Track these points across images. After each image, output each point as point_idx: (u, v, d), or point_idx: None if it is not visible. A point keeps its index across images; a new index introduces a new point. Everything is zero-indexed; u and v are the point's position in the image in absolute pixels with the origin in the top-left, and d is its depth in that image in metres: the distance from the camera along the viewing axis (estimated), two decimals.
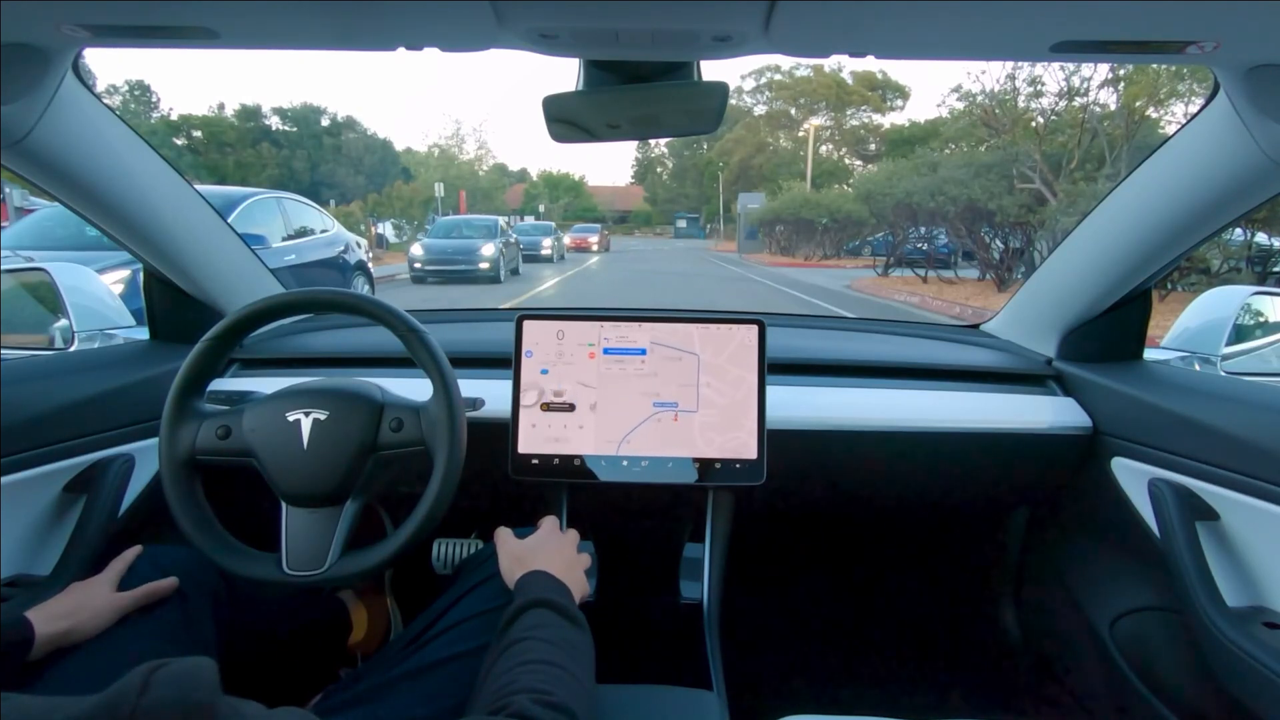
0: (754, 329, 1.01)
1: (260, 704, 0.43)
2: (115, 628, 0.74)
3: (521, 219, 31.37)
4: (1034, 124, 10.79)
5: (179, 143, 29.38)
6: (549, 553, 0.79)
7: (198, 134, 31.56)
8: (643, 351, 1.02)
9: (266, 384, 1.07)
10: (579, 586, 0.77)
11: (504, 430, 1.00)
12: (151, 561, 0.81)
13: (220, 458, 0.83)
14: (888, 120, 37.40)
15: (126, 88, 31.15)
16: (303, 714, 0.44)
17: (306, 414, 0.82)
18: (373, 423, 0.83)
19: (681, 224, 44.42)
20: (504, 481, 0.99)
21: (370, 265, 7.44)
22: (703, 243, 37.12)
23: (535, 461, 1.00)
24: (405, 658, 0.75)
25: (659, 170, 52.04)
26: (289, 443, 0.82)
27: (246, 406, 0.85)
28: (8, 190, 8.23)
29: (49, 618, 0.70)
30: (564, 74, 0.77)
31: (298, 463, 0.81)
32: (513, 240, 13.81)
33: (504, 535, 0.83)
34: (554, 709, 0.53)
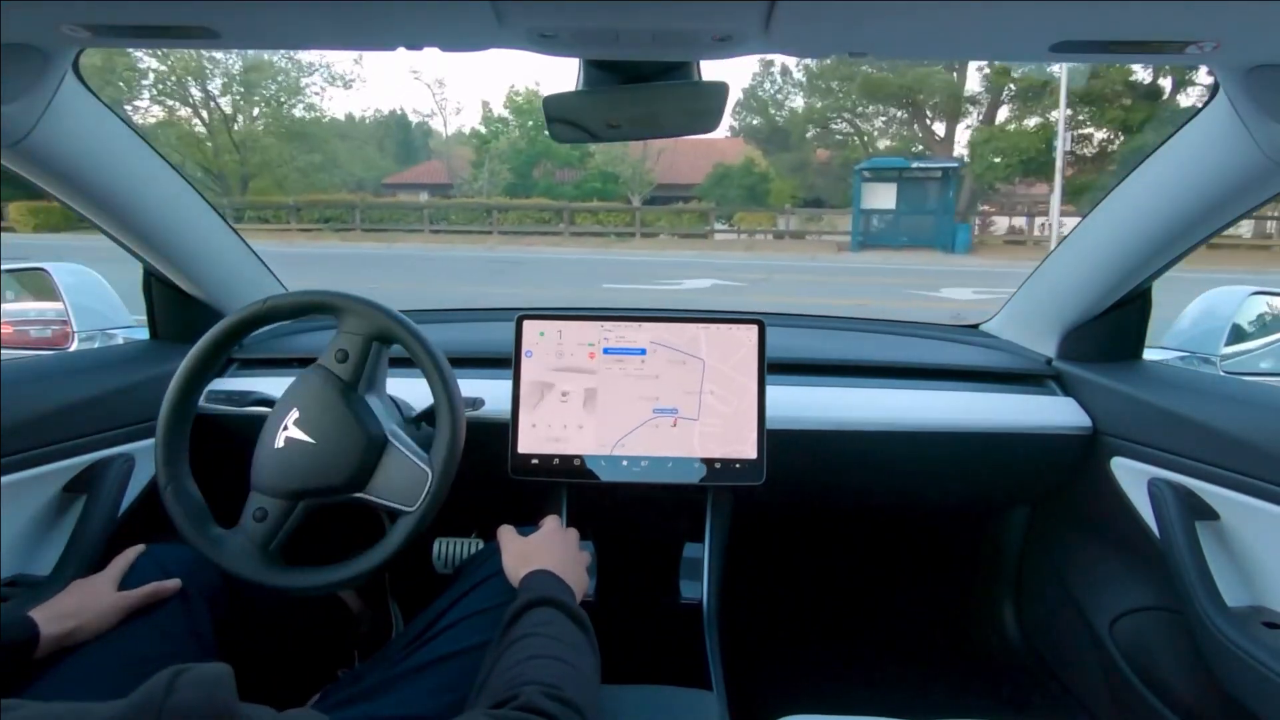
0: (754, 329, 1.02)
1: (271, 709, 0.43)
2: (117, 627, 0.74)
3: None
4: None
5: None
6: (552, 551, 0.79)
7: None
8: (642, 351, 1.02)
9: (266, 383, 1.07)
10: (580, 585, 0.77)
11: (504, 430, 1.00)
12: (153, 560, 0.81)
13: (288, 528, 0.82)
14: None
15: None
16: (315, 715, 0.45)
17: (285, 426, 0.82)
18: (327, 375, 0.83)
19: (879, 196, 14.59)
20: (504, 481, 0.99)
21: None
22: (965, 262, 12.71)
23: (535, 461, 1.00)
24: (407, 655, 0.75)
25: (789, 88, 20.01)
26: (304, 454, 0.81)
27: (253, 484, 0.83)
28: None
29: (53, 618, 0.70)
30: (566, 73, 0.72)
31: (327, 456, 0.81)
32: None
33: (507, 533, 0.83)
34: (564, 704, 0.53)
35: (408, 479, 0.81)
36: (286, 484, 0.81)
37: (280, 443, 0.81)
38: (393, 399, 0.94)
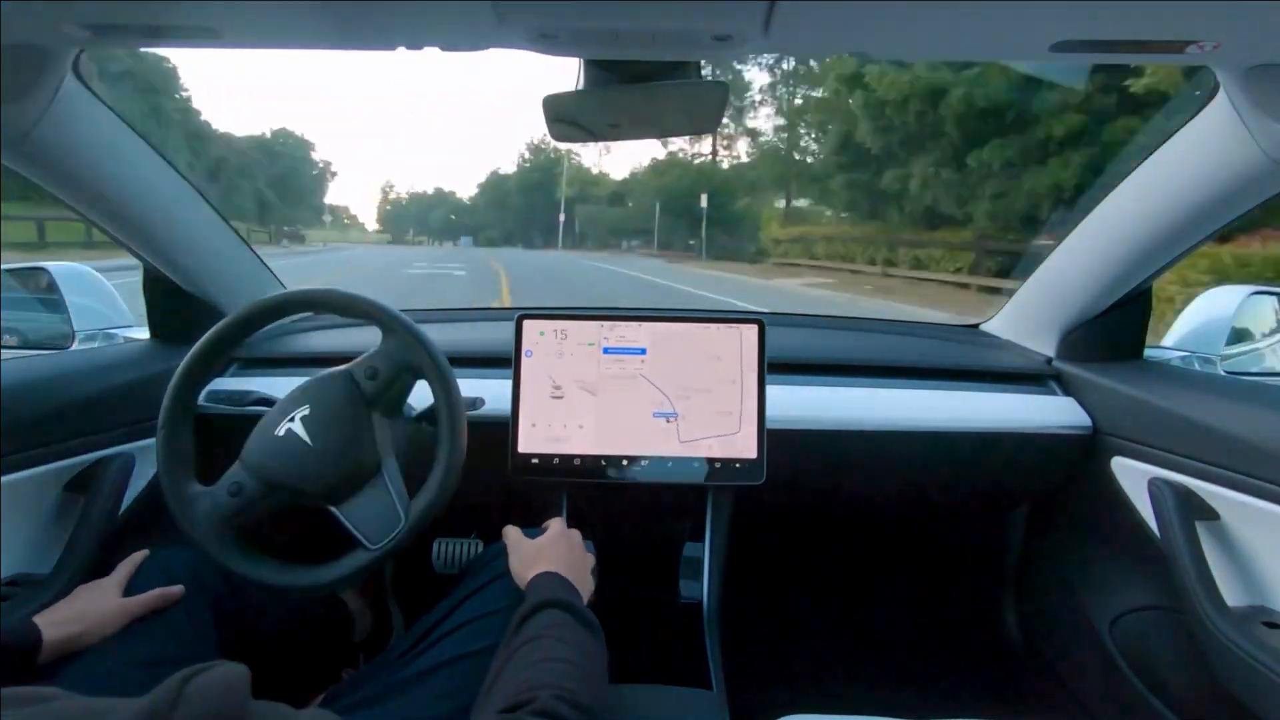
0: (754, 328, 1.02)
1: (289, 706, 0.43)
2: (121, 632, 0.74)
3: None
4: None
5: None
6: (559, 553, 0.79)
7: None
8: (642, 351, 1.02)
9: (266, 383, 1.07)
10: (586, 588, 0.77)
11: (504, 430, 1.00)
12: (157, 565, 0.81)
13: (252, 513, 0.82)
14: None
15: None
16: (331, 716, 0.44)
17: (291, 419, 0.82)
18: (350, 386, 0.83)
19: None
20: (504, 481, 0.99)
21: None
22: None
23: (535, 461, 1.00)
24: (413, 658, 0.75)
25: None
26: (296, 453, 0.81)
27: (242, 462, 0.83)
28: None
29: (57, 623, 0.70)
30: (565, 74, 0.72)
31: (315, 464, 0.81)
32: None
33: (514, 534, 0.83)
34: (579, 709, 0.53)
35: (380, 516, 0.80)
36: (270, 473, 0.81)
37: (281, 431, 0.81)
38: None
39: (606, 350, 1.02)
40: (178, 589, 0.78)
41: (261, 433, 0.83)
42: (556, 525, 0.86)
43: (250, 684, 0.41)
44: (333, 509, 0.81)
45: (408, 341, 0.84)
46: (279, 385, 0.89)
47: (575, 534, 0.86)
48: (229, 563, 0.80)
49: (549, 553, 0.79)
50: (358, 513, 0.81)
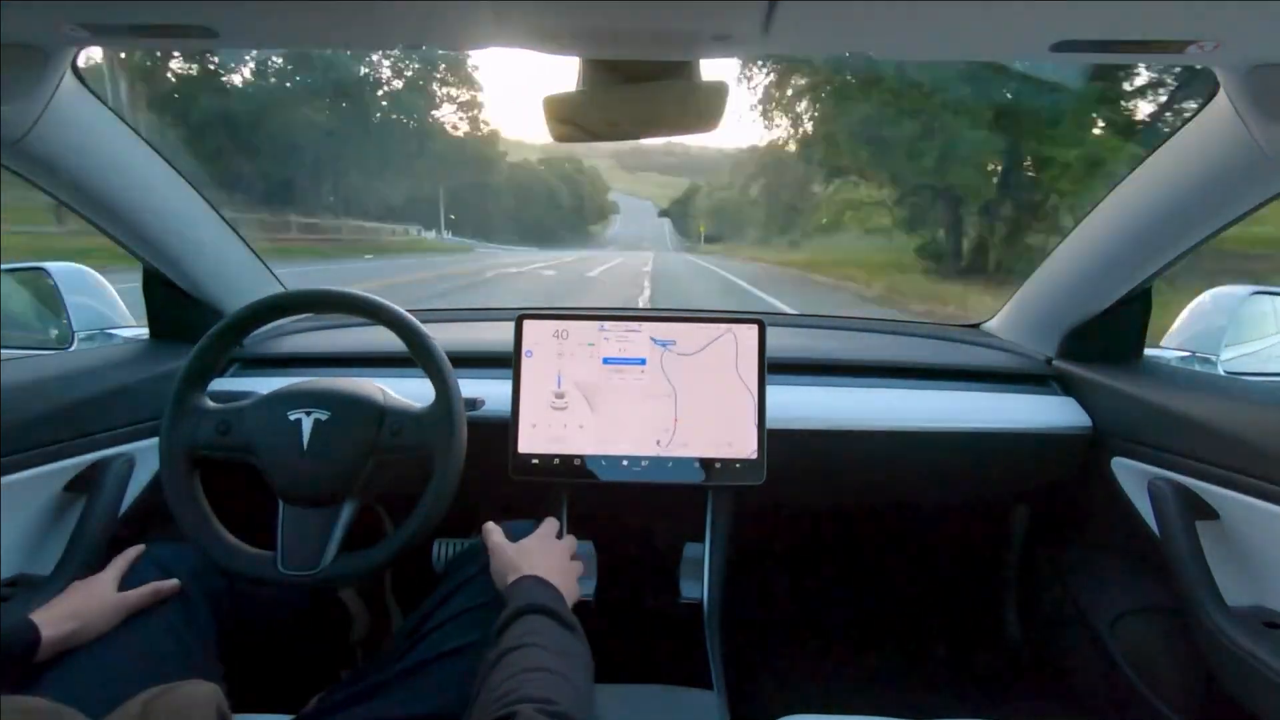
0: (754, 328, 1.02)
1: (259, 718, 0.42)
2: (118, 627, 0.74)
3: None
4: None
5: None
6: (542, 555, 0.78)
7: None
8: (642, 361, 1.02)
9: (267, 384, 1.07)
10: (570, 592, 0.76)
11: (504, 430, 1.00)
12: (153, 560, 0.81)
13: (219, 453, 0.83)
14: None
15: None
16: None
17: (308, 414, 0.83)
18: (374, 426, 0.84)
19: None
20: (504, 482, 0.99)
21: None
22: None
23: (535, 461, 1.00)
24: (399, 656, 0.75)
25: None
26: (289, 441, 0.82)
27: (248, 403, 0.85)
28: None
29: (55, 620, 0.70)
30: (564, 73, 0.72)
31: (297, 461, 0.82)
32: None
33: (495, 535, 0.81)
34: (558, 719, 0.53)
35: (306, 545, 0.81)
36: (256, 441, 0.83)
37: (292, 417, 0.83)
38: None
39: (606, 361, 1.02)
40: (172, 583, 0.78)
41: (277, 403, 0.85)
42: (546, 527, 0.85)
43: (223, 701, 0.40)
44: (281, 505, 0.83)
45: (448, 422, 0.84)
46: (279, 386, 0.89)
47: (568, 539, 0.85)
48: (171, 485, 0.81)
49: (531, 555, 0.77)
50: (293, 527, 0.82)
